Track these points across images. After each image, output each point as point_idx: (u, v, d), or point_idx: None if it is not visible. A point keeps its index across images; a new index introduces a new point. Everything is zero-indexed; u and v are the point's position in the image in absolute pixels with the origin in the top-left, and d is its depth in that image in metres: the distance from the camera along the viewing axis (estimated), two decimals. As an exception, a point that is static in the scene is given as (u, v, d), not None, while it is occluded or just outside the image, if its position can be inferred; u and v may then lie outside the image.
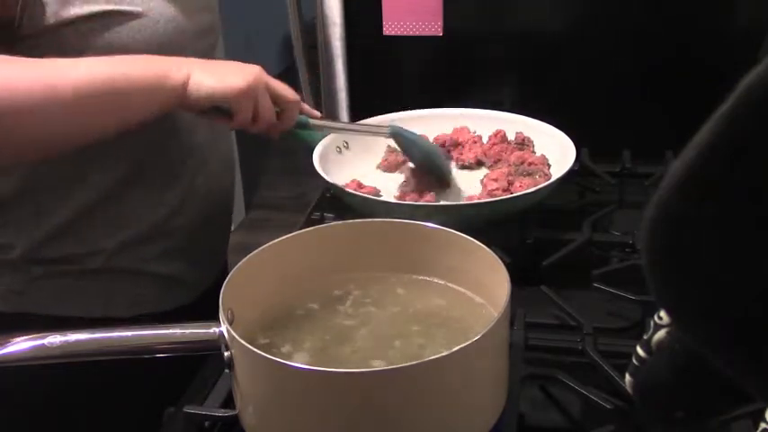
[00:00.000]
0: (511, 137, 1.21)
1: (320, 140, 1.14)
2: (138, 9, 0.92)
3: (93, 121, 0.87)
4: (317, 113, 1.06)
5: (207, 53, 1.05)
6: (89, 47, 0.90)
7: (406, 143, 1.13)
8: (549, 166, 1.13)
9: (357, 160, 1.19)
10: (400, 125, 1.21)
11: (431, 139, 1.19)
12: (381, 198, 1.08)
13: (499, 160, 1.17)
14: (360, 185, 1.11)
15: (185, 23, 0.98)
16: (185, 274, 1.08)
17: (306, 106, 1.04)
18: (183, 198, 1.04)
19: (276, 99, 0.95)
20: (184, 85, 0.88)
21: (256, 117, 0.94)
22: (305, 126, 1.04)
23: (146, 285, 1.05)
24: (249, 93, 0.91)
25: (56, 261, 0.99)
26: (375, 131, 1.14)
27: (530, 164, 1.13)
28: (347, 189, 1.07)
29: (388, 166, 1.19)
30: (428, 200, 1.06)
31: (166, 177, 1.03)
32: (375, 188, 1.11)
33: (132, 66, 0.87)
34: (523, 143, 1.19)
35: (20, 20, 0.87)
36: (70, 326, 0.87)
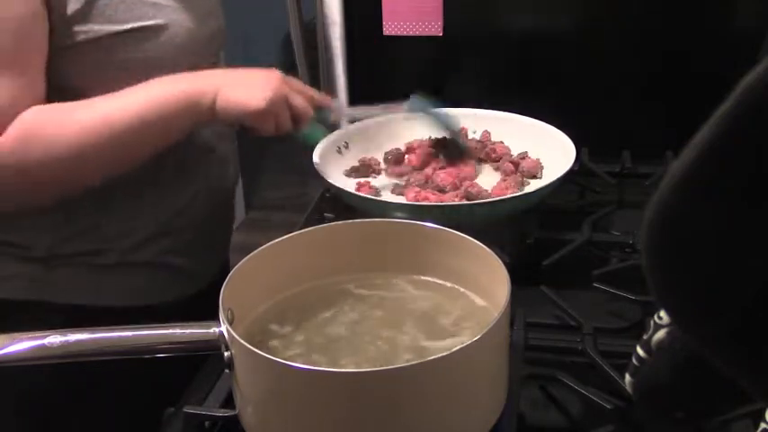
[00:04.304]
0: (507, 138, 1.22)
1: (320, 140, 1.14)
2: (161, 22, 0.95)
3: (145, 146, 0.95)
4: (331, 103, 1.10)
5: (216, 56, 1.10)
6: (110, 61, 0.93)
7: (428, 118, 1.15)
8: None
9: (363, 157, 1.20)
10: (399, 125, 1.21)
11: None
12: (381, 198, 1.08)
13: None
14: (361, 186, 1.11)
15: (198, 30, 1.01)
16: (193, 266, 1.11)
17: (320, 100, 1.07)
18: (192, 197, 1.08)
19: (293, 110, 0.99)
20: (213, 106, 0.94)
21: (277, 128, 0.99)
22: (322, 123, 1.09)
23: (156, 277, 1.08)
24: (270, 113, 0.96)
25: (73, 256, 1.02)
26: (393, 110, 1.17)
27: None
28: (347, 189, 1.07)
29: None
30: (428, 199, 1.06)
31: (176, 179, 1.06)
32: (375, 188, 1.12)
33: (170, 88, 0.93)
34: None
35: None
36: (87, 315, 0.96)
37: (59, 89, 0.92)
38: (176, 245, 1.08)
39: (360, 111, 1.21)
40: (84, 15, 0.90)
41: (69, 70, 0.93)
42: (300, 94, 1.01)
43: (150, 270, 1.07)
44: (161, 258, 1.07)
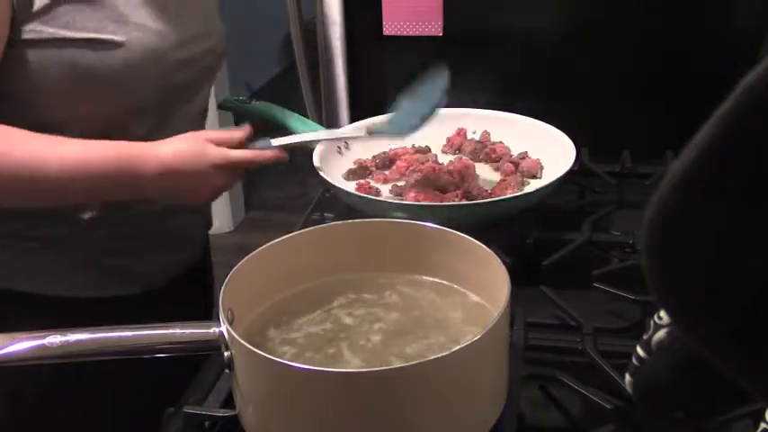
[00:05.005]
0: (507, 138, 1.21)
1: (319, 141, 1.13)
2: (119, 39, 0.92)
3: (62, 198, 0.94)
4: (269, 155, 0.99)
5: (198, 79, 1.05)
6: (55, 63, 0.91)
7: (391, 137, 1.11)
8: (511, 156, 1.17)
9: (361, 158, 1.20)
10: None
11: None
12: (381, 198, 1.07)
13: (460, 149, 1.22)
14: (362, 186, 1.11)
15: (171, 53, 0.97)
16: (138, 267, 1.06)
17: (258, 156, 0.99)
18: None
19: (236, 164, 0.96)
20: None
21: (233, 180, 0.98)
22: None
23: (92, 273, 1.03)
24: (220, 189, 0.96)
25: (2, 236, 1.00)
26: (350, 136, 1.11)
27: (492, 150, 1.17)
28: (347, 189, 1.07)
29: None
30: (428, 199, 1.06)
31: None
32: (375, 188, 1.11)
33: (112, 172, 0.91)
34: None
35: None
36: (26, 302, 0.96)
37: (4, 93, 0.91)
38: (115, 243, 1.03)
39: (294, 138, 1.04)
40: (42, 15, 0.89)
41: (14, 69, 0.90)
42: (230, 140, 0.96)
43: (84, 266, 1.02)
44: (96, 256, 1.02)
